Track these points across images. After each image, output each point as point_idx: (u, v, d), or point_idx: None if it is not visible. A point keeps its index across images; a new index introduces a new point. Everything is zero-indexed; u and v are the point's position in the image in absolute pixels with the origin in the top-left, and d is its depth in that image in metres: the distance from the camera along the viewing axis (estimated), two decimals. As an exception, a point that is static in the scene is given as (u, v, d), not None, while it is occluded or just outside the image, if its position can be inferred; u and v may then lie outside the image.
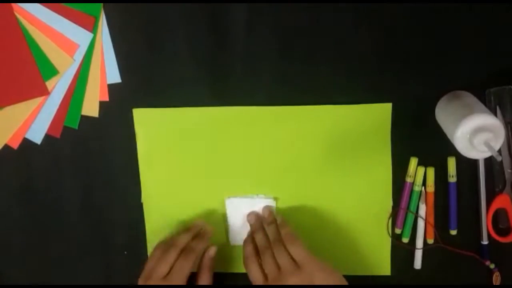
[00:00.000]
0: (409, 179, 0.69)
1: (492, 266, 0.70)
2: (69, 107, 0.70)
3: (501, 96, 0.65)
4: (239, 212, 0.72)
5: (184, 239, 0.67)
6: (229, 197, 0.72)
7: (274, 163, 0.70)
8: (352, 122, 0.68)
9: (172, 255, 0.65)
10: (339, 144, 0.69)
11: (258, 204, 0.71)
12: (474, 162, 0.68)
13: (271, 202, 0.71)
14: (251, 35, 0.67)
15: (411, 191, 0.69)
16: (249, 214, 0.71)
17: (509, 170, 0.67)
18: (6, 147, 0.71)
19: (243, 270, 0.73)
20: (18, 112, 0.70)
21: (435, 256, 0.71)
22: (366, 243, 0.71)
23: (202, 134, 0.70)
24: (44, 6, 0.67)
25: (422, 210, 0.69)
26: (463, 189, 0.69)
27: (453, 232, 0.70)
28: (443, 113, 0.64)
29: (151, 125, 0.70)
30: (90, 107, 0.70)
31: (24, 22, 0.67)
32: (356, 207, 0.70)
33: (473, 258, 0.70)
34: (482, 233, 0.69)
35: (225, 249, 0.73)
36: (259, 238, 0.67)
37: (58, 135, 0.71)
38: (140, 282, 0.64)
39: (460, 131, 0.57)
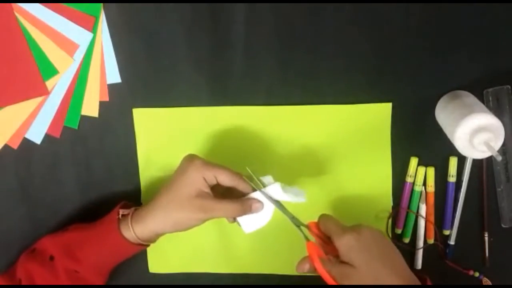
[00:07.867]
0: (409, 179, 0.69)
1: (476, 274, 0.70)
2: (69, 107, 0.70)
3: (499, 96, 0.65)
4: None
5: None
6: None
7: (274, 163, 0.70)
8: (352, 122, 0.68)
9: None
10: (339, 144, 0.69)
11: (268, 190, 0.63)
12: (475, 162, 0.68)
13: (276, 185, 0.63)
14: (251, 35, 0.67)
15: (412, 191, 0.69)
16: None
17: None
18: (6, 147, 0.71)
19: (243, 270, 0.74)
20: (18, 112, 0.70)
21: (435, 256, 0.71)
22: (366, 243, 0.71)
23: (202, 134, 0.70)
24: (44, 6, 0.67)
25: (422, 210, 0.69)
26: (463, 189, 0.68)
27: (446, 232, 0.70)
28: (443, 113, 0.64)
29: (151, 125, 0.70)
30: (90, 107, 0.70)
31: (24, 22, 0.67)
32: (356, 207, 0.70)
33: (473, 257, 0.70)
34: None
35: (225, 249, 0.73)
36: None
37: (58, 135, 0.71)
38: None
39: (460, 131, 0.57)
